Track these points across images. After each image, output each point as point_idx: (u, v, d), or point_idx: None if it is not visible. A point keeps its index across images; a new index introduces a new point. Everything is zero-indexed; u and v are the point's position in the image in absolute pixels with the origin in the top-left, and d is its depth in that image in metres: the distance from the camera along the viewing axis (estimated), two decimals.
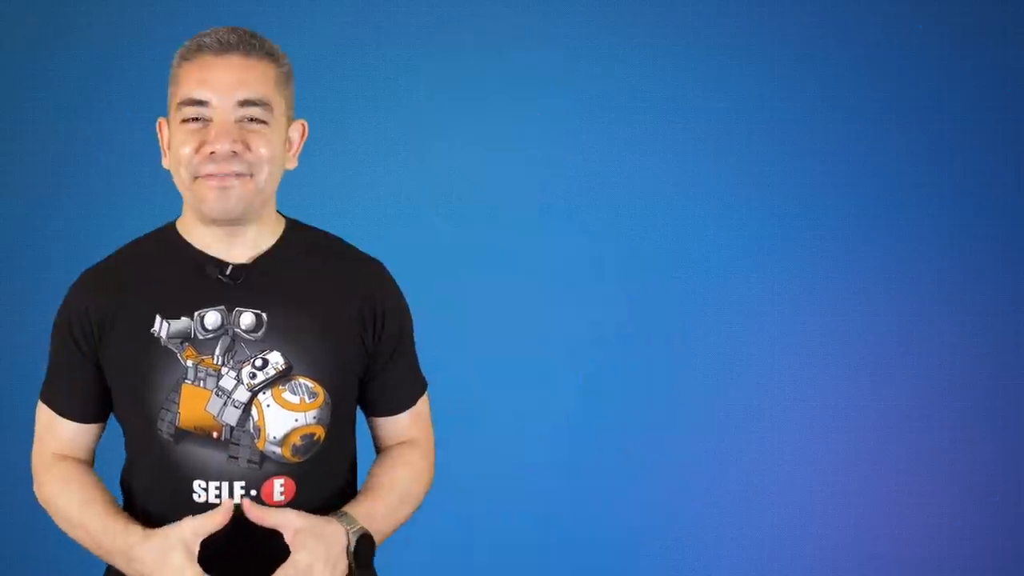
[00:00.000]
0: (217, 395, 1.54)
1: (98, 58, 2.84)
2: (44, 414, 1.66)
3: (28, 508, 1.79)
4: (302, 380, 1.56)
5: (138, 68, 2.56)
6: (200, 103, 1.53)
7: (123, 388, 1.58)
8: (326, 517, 1.53)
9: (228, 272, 1.58)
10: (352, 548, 1.52)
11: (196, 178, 1.54)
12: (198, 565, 1.46)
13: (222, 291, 1.57)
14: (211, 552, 1.50)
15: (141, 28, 2.83)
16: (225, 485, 1.53)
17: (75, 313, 1.60)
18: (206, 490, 1.53)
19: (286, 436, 1.55)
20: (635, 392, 2.92)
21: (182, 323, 1.55)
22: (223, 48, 1.54)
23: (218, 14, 1.81)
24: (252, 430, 1.54)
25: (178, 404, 1.53)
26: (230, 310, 1.56)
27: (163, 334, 1.55)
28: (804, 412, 2.91)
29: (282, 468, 1.55)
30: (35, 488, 1.65)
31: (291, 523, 1.50)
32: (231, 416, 1.53)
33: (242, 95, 1.53)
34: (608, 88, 2.88)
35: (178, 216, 1.66)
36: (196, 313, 1.56)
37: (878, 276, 2.90)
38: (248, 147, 1.53)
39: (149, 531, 1.50)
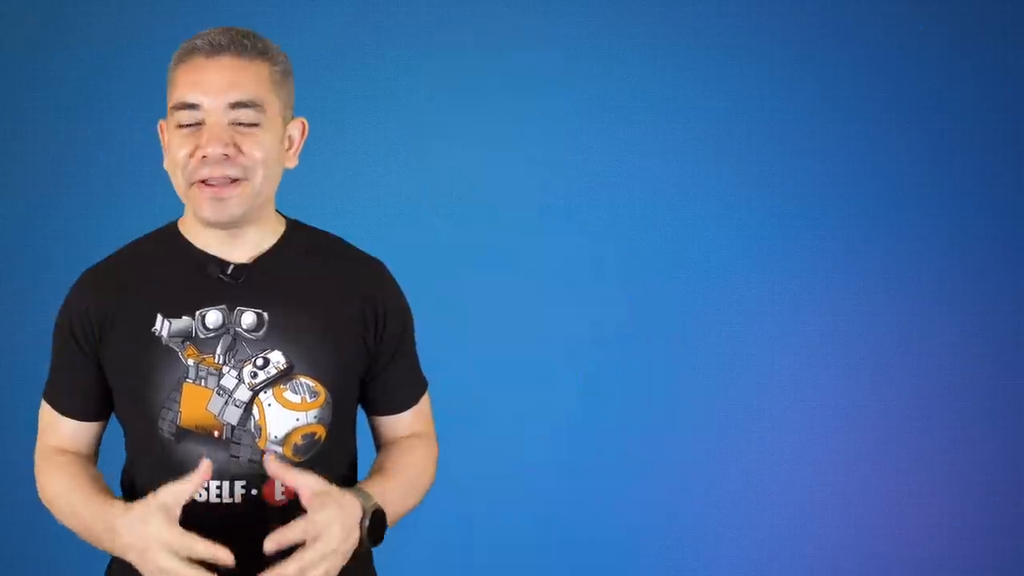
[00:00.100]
0: (218, 394, 1.54)
1: (98, 58, 2.85)
2: (46, 412, 1.66)
3: (28, 508, 1.79)
4: (303, 379, 1.56)
5: (138, 68, 2.56)
6: (192, 106, 1.53)
7: (124, 387, 1.58)
8: (343, 489, 1.51)
9: (229, 271, 1.58)
10: (367, 523, 1.50)
11: (192, 184, 1.54)
12: (179, 527, 1.42)
13: (223, 290, 1.57)
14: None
15: (141, 28, 2.83)
16: (226, 484, 1.53)
17: (76, 313, 1.60)
18: (207, 489, 1.53)
19: (287, 435, 1.55)
20: (635, 392, 2.92)
21: (183, 322, 1.55)
22: (214, 50, 1.53)
23: (218, 14, 1.82)
24: (253, 429, 1.54)
25: (179, 403, 1.53)
26: (231, 309, 1.56)
27: (164, 333, 1.55)
28: (804, 412, 2.91)
29: None
30: (36, 483, 1.66)
31: (310, 485, 1.47)
32: (232, 415, 1.53)
33: (233, 97, 1.53)
34: (608, 88, 2.88)
35: (180, 216, 1.66)
36: (197, 312, 1.56)
37: (878, 276, 2.90)
38: (240, 150, 1.53)
39: (130, 504, 1.48)
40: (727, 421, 2.92)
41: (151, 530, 1.42)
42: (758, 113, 2.88)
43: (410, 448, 1.70)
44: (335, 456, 1.62)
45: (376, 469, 1.66)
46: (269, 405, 1.54)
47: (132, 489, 1.62)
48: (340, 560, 1.46)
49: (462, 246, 2.88)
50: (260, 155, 1.54)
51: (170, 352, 1.54)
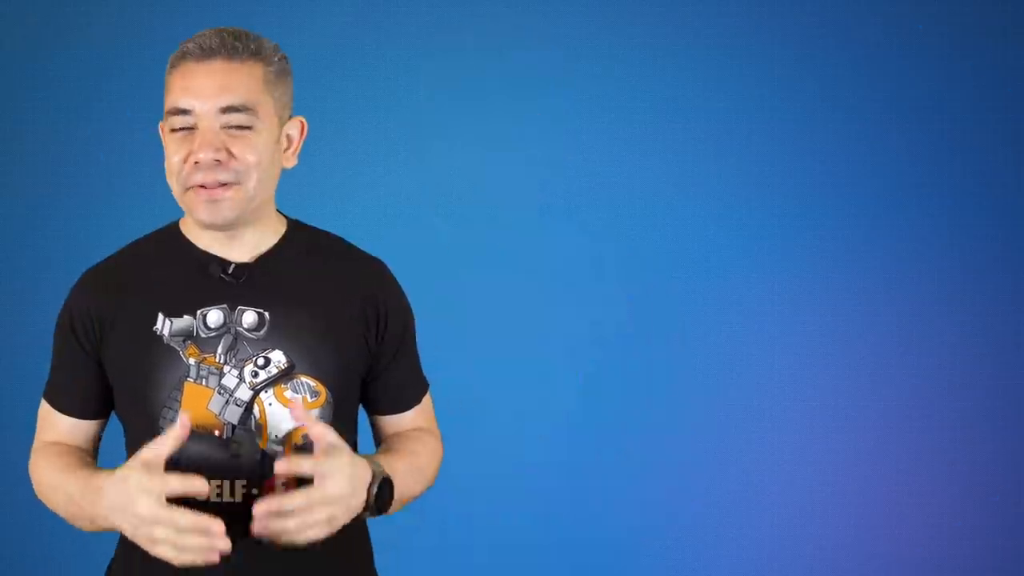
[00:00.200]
0: (219, 393, 1.54)
1: (98, 58, 2.85)
2: (44, 411, 1.66)
3: (28, 508, 1.79)
4: (304, 379, 1.56)
5: (138, 68, 2.56)
6: (184, 112, 1.53)
7: (125, 387, 1.58)
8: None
9: (230, 271, 1.58)
10: (375, 489, 1.49)
11: (187, 189, 1.54)
12: (160, 477, 1.39)
13: (224, 290, 1.57)
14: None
15: (141, 28, 2.83)
16: (227, 483, 1.53)
17: (77, 312, 1.60)
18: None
19: (288, 435, 1.54)
20: (635, 392, 2.92)
21: (185, 321, 1.55)
22: (204, 54, 1.53)
23: (218, 14, 1.82)
24: (254, 428, 1.54)
25: (180, 402, 1.53)
26: (232, 309, 1.56)
27: (166, 332, 1.55)
28: (804, 412, 2.92)
29: None
30: (31, 478, 1.65)
31: (326, 436, 1.44)
32: (233, 414, 1.53)
33: (224, 101, 1.52)
34: (608, 88, 2.88)
35: (180, 215, 1.66)
36: (198, 311, 1.56)
37: (878, 276, 2.90)
38: (232, 154, 1.52)
39: (113, 470, 1.46)
40: (727, 421, 2.92)
41: (131, 484, 1.40)
42: (758, 113, 2.88)
43: (418, 438, 1.69)
44: None
45: (385, 449, 1.65)
46: (270, 404, 1.54)
47: None
48: (343, 514, 1.44)
49: (462, 246, 2.88)
50: (253, 159, 1.54)
51: (171, 351, 1.54)
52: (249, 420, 1.54)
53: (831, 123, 2.88)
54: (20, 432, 1.80)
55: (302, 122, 1.64)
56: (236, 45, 1.54)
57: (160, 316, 1.55)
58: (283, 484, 1.54)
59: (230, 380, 1.54)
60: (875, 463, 2.92)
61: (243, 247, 1.60)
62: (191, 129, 1.53)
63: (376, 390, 1.68)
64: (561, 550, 2.92)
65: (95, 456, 1.67)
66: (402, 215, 2.87)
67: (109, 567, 1.66)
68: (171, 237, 1.64)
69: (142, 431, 1.57)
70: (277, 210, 1.67)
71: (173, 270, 1.60)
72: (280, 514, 1.40)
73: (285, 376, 1.55)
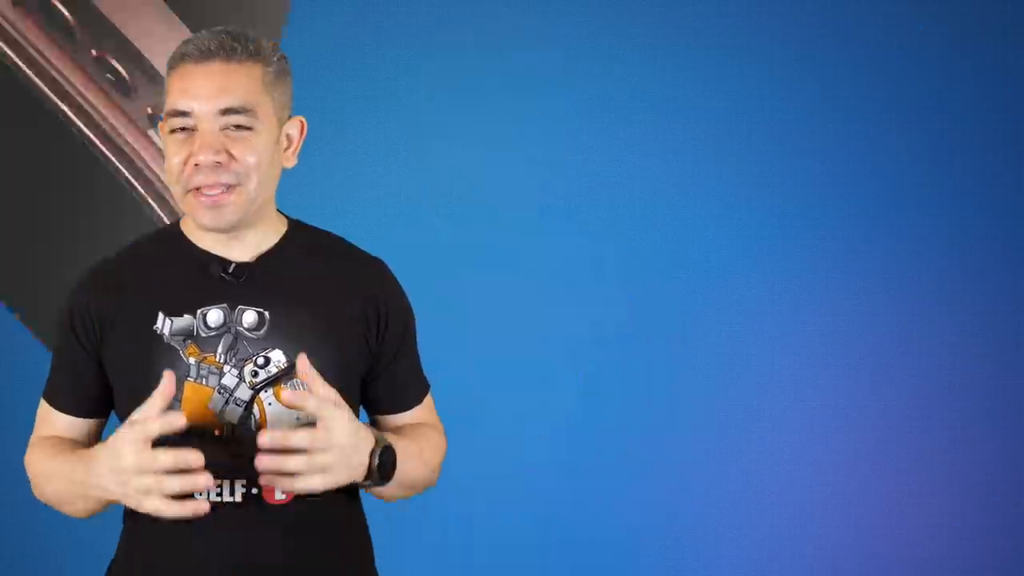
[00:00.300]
0: (219, 393, 1.54)
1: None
2: (44, 409, 1.66)
3: (28, 508, 1.79)
4: None
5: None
6: (184, 114, 1.53)
7: (125, 386, 1.58)
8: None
9: (231, 270, 1.58)
10: (376, 457, 1.49)
11: (187, 192, 1.54)
12: (143, 424, 1.40)
13: (225, 289, 1.57)
14: (215, 553, 1.51)
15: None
16: (227, 483, 1.53)
17: (77, 311, 1.60)
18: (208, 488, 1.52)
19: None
20: (635, 392, 2.92)
21: (185, 320, 1.55)
22: (203, 56, 1.53)
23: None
24: (254, 428, 1.54)
25: (180, 401, 1.53)
26: (232, 308, 1.56)
27: (166, 331, 1.55)
28: (804, 412, 2.91)
29: None
30: (27, 473, 1.65)
31: (331, 396, 1.46)
32: (233, 414, 1.53)
33: (223, 103, 1.52)
34: (608, 88, 2.88)
35: (182, 216, 1.66)
36: (199, 311, 1.56)
37: (878, 276, 2.90)
38: (233, 156, 1.53)
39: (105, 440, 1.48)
40: (727, 421, 2.92)
41: (117, 439, 1.41)
42: (758, 113, 2.88)
43: (422, 431, 1.69)
44: None
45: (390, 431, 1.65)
46: (270, 404, 1.54)
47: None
48: (343, 469, 1.45)
49: (462, 246, 2.88)
50: (253, 160, 1.54)
51: (172, 350, 1.54)
52: (249, 420, 1.54)
53: (831, 123, 2.88)
54: (20, 432, 1.79)
55: (302, 122, 1.64)
56: (235, 46, 1.54)
57: (160, 315, 1.55)
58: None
59: (230, 379, 1.54)
60: (875, 463, 2.92)
61: (244, 247, 1.60)
62: (191, 131, 1.53)
63: (377, 390, 1.68)
64: (561, 550, 2.92)
65: None
66: (402, 215, 2.87)
67: (109, 567, 1.66)
68: (172, 237, 1.64)
69: None
70: (277, 210, 1.67)
71: (174, 270, 1.60)
72: (284, 451, 1.42)
73: (285, 376, 1.55)
